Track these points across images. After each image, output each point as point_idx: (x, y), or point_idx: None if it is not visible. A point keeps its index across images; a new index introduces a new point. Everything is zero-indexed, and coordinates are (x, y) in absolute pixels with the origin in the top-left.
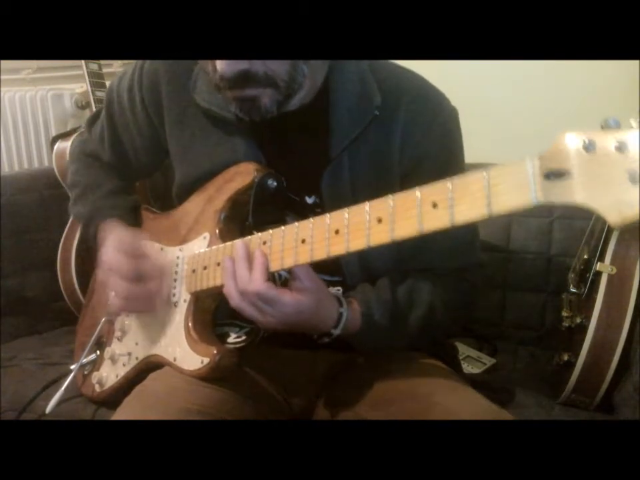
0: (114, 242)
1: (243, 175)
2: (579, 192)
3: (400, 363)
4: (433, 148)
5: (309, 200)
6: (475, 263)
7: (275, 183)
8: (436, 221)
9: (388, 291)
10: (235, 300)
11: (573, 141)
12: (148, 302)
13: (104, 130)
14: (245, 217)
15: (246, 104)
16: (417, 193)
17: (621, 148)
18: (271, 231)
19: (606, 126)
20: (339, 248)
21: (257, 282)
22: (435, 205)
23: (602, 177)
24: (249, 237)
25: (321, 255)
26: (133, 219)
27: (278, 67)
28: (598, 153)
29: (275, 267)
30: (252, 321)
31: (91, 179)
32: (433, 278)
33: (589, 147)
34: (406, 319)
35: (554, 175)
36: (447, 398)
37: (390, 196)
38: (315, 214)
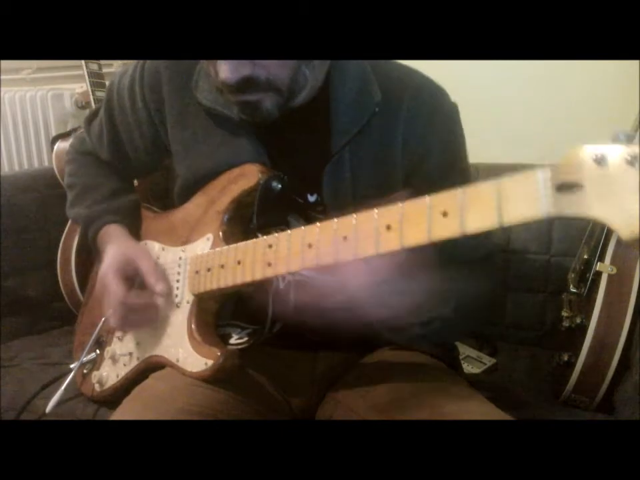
0: (112, 263)
1: (247, 176)
2: (591, 205)
3: (404, 365)
4: (435, 142)
5: (311, 198)
6: (496, 246)
7: (280, 185)
8: (446, 230)
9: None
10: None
11: (584, 154)
12: (142, 323)
13: (103, 128)
14: (249, 218)
15: (248, 108)
16: (427, 200)
17: (632, 162)
18: (277, 235)
19: (616, 140)
20: (346, 254)
21: None
22: (445, 214)
23: (614, 190)
24: (254, 239)
25: (328, 260)
26: (134, 221)
27: (280, 72)
28: (610, 166)
29: (280, 270)
30: (255, 321)
31: (89, 179)
32: (461, 267)
33: (600, 161)
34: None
35: (566, 187)
36: (456, 407)
37: (399, 203)
38: (317, 212)
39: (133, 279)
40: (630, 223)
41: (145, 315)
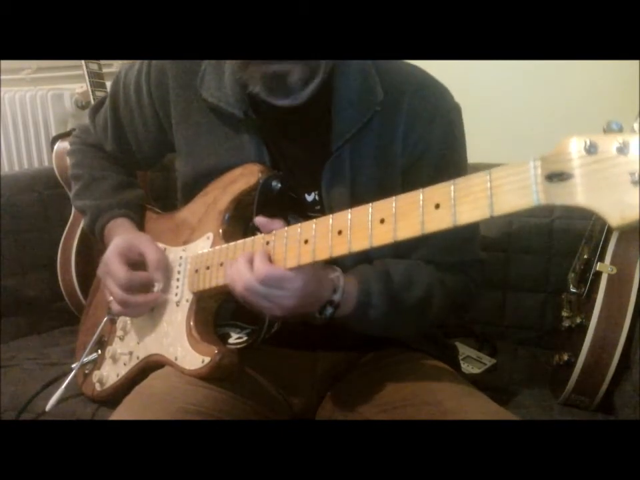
0: (117, 246)
1: (247, 176)
2: (580, 194)
3: (404, 365)
4: (435, 140)
5: (309, 197)
6: (474, 259)
7: (279, 185)
8: (438, 222)
9: (384, 265)
10: (240, 295)
11: (575, 144)
12: (143, 310)
13: (107, 120)
14: (249, 217)
15: (274, 80)
16: (420, 194)
17: (622, 150)
18: (274, 232)
19: (608, 129)
20: (341, 248)
21: (261, 268)
22: (437, 206)
23: (604, 179)
24: (252, 237)
25: (323, 255)
26: (140, 215)
27: None
28: (600, 155)
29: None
30: (254, 321)
31: (95, 171)
32: (433, 266)
33: (590, 150)
34: (403, 294)
35: (556, 176)
36: (457, 405)
37: (393, 197)
38: (315, 211)
39: (135, 264)
40: (619, 209)
41: (145, 300)
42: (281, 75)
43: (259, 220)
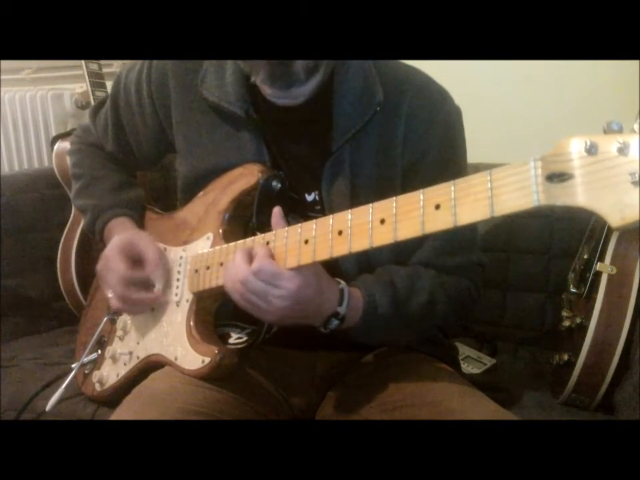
0: (118, 243)
1: (247, 176)
2: (581, 194)
3: (404, 365)
4: (435, 142)
5: (309, 197)
6: (474, 262)
7: (279, 185)
8: (439, 222)
9: (388, 274)
10: (235, 290)
11: (575, 144)
12: (142, 308)
13: (108, 119)
14: (249, 217)
15: (279, 68)
16: (420, 194)
17: (623, 151)
18: (274, 232)
19: (608, 129)
20: (341, 248)
21: (258, 262)
22: (437, 207)
23: (604, 179)
24: (252, 237)
25: (323, 255)
26: (141, 214)
27: None
28: (600, 155)
29: None
30: (254, 321)
31: (95, 170)
32: (434, 271)
33: (591, 150)
34: (407, 302)
35: (556, 177)
36: (457, 404)
37: (393, 198)
38: (315, 211)
39: (136, 262)
40: (619, 210)
41: (145, 297)
42: (286, 62)
43: (276, 210)
